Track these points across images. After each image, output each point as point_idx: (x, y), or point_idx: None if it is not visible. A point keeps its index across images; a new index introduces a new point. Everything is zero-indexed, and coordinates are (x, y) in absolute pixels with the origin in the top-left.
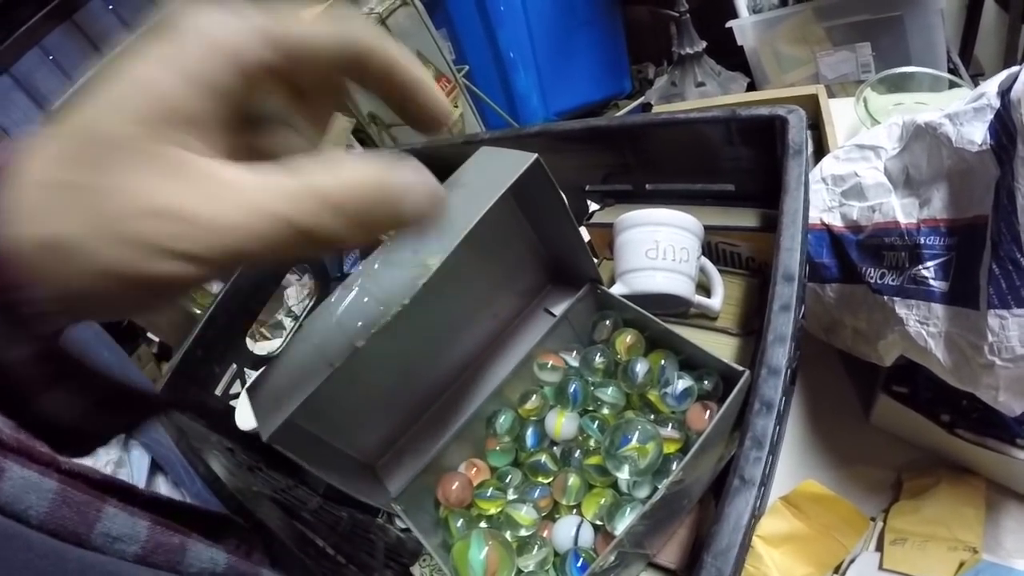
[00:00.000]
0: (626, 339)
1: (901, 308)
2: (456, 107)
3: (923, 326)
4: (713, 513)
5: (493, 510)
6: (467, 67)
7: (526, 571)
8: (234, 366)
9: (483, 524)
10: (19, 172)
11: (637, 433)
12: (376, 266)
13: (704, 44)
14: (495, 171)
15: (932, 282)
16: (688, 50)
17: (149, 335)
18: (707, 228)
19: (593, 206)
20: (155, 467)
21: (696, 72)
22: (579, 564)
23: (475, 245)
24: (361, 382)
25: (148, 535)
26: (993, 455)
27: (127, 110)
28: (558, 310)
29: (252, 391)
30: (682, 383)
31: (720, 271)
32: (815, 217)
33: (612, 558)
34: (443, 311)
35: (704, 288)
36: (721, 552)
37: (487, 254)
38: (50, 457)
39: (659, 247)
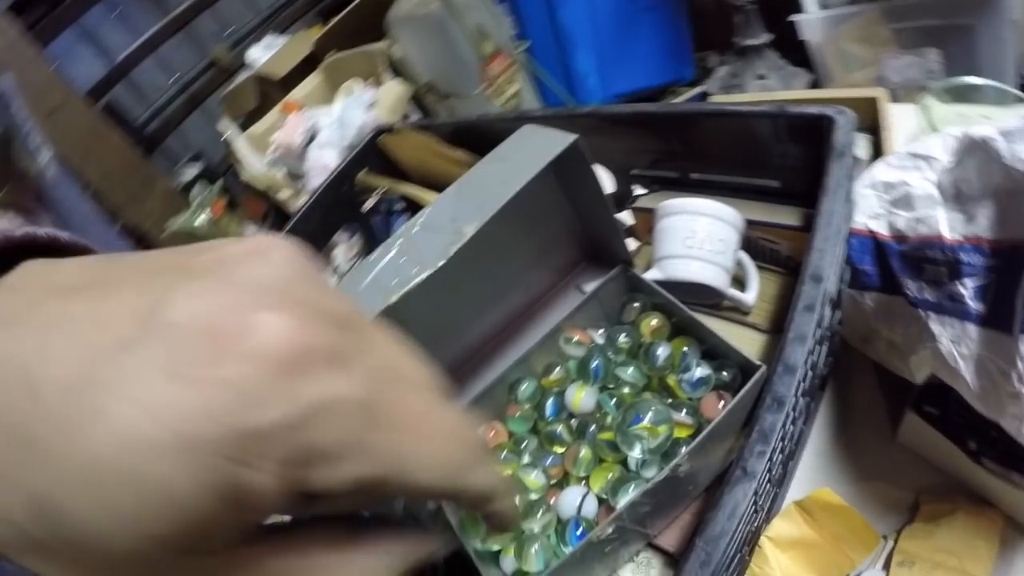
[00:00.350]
0: (651, 322)
1: (935, 324)
2: (513, 83)
3: (955, 346)
4: None
5: (506, 472)
6: (527, 43)
7: (529, 533)
8: None
9: None
10: None
11: (651, 413)
12: (416, 229)
13: (768, 36)
14: (535, 148)
15: (969, 302)
16: (751, 41)
17: None
18: (749, 223)
19: (640, 190)
20: None
21: (758, 64)
22: (579, 532)
23: (512, 218)
24: None
25: None
26: (1015, 491)
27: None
28: (589, 288)
29: None
30: (700, 371)
31: (758, 267)
32: (861, 223)
33: (610, 530)
34: (477, 279)
35: (740, 282)
36: (713, 538)
37: (524, 228)
38: None
39: (697, 236)
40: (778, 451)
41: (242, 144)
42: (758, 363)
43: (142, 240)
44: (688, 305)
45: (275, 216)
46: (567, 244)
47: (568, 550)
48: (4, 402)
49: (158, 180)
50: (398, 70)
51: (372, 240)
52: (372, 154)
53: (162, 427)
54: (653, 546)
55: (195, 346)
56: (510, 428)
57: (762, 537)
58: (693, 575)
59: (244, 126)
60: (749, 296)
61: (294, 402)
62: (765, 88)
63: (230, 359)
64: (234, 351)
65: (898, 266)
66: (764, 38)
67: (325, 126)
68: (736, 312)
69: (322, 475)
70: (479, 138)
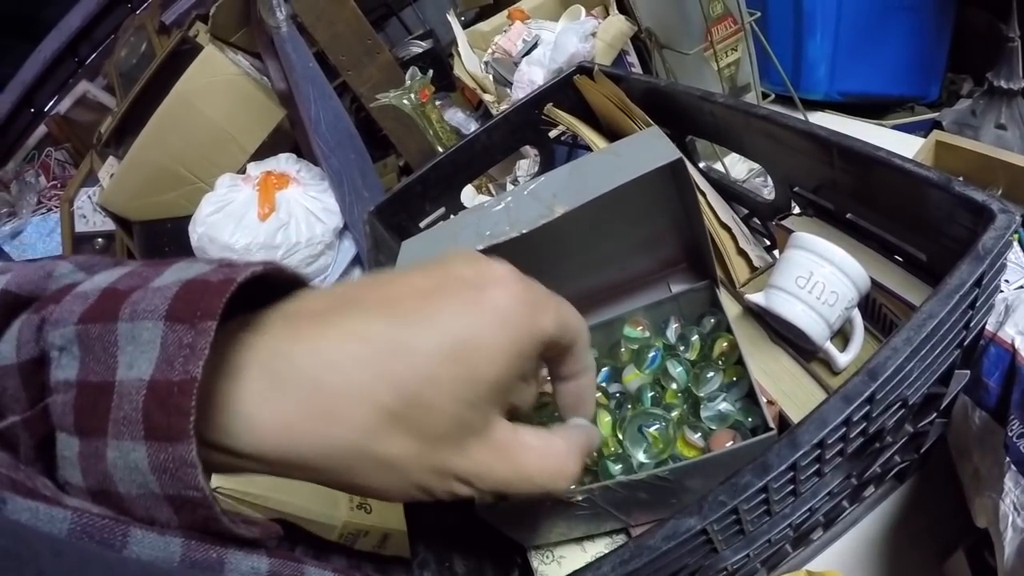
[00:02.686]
0: (723, 344)
1: (1010, 479)
2: (735, 51)
3: (1015, 512)
4: None
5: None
6: (759, 13)
7: None
8: (443, 209)
9: None
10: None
11: (658, 426)
12: (525, 192)
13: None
14: (644, 154)
15: None
16: (1003, 83)
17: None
18: (877, 285)
19: (796, 209)
20: (356, 261)
21: (1003, 111)
22: None
23: (611, 207)
24: None
25: (183, 553)
26: None
27: (465, 398)
28: (675, 289)
29: (404, 244)
30: (723, 406)
31: (868, 332)
32: (1009, 334)
33: (580, 499)
34: (574, 247)
35: (845, 340)
36: (643, 546)
37: (628, 217)
38: (53, 494)
39: (811, 279)
40: (757, 510)
41: (463, 38)
42: (771, 427)
43: (355, 100)
44: (783, 342)
45: (484, 110)
46: (673, 242)
47: None
48: (426, 333)
49: (382, 52)
50: (624, 7)
51: (551, 164)
52: (567, 89)
53: (515, 301)
54: (630, 534)
55: (497, 282)
56: None
57: None
58: (609, 566)
59: (475, 19)
60: (844, 358)
61: (550, 297)
62: (1000, 142)
63: (513, 283)
64: (508, 278)
65: (1018, 399)
66: (1019, 84)
67: (543, 43)
68: (825, 368)
69: (553, 322)
70: (665, 103)
